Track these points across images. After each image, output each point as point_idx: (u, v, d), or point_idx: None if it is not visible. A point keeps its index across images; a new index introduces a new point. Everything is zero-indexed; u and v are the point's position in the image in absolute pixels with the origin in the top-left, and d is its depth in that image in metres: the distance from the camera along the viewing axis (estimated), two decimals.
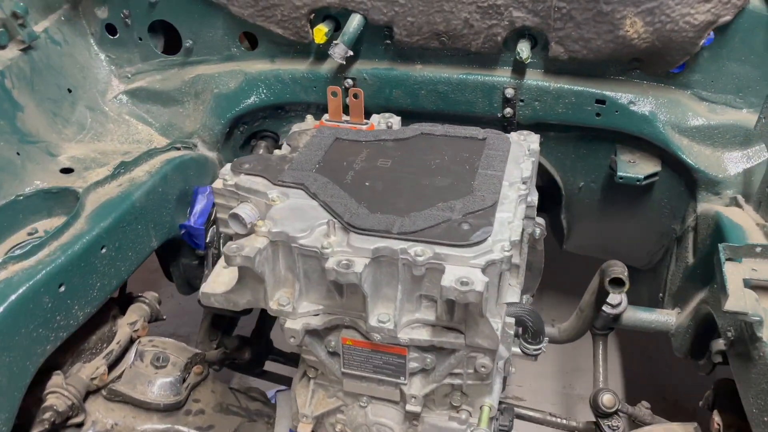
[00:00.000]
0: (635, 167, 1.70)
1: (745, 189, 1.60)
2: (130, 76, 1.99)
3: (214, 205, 1.75)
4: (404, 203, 1.28)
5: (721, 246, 1.22)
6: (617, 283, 1.36)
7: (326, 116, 1.64)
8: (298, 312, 1.28)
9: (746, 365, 1.20)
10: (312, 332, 1.31)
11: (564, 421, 1.82)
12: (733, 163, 1.62)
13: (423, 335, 1.25)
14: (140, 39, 1.94)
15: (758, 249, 1.21)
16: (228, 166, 1.44)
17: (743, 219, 1.44)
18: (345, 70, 1.82)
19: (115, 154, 1.76)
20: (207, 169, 1.87)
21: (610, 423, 1.73)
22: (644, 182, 1.67)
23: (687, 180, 1.69)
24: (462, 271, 1.14)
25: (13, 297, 1.26)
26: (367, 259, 1.18)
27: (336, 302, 1.28)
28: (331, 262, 1.17)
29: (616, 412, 1.71)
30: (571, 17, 1.58)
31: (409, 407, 1.34)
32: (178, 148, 1.82)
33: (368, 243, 1.19)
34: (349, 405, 1.45)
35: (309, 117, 1.68)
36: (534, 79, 1.72)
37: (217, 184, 1.42)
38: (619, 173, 1.67)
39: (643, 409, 1.73)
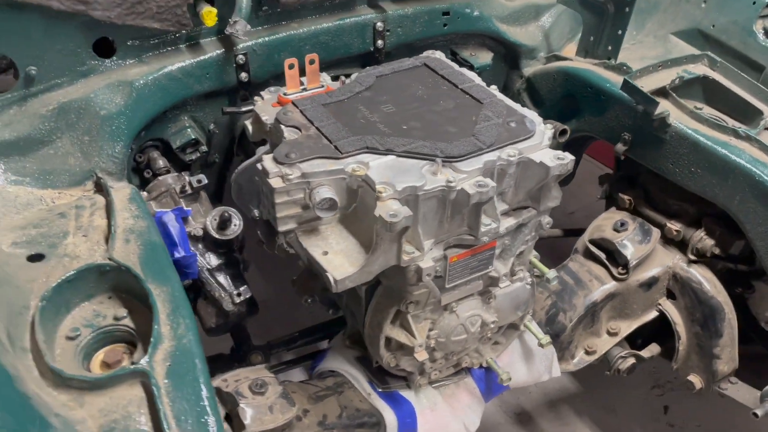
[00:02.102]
0: (479, 58, 2.14)
1: (549, 48, 2.21)
2: None
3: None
4: (454, 128, 1.49)
5: (626, 77, 1.78)
6: (564, 132, 1.84)
7: (283, 90, 1.62)
8: (425, 252, 1.42)
9: (658, 147, 1.82)
10: None
11: None
12: (537, 32, 2.20)
13: (511, 222, 1.53)
14: None
15: (638, 73, 1.82)
16: (269, 163, 1.38)
17: (582, 65, 2.03)
18: (232, 47, 1.77)
19: (39, 225, 1.43)
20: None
21: None
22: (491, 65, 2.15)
23: (509, 56, 2.21)
24: (545, 153, 1.45)
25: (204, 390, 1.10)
26: (480, 176, 1.39)
27: (443, 229, 1.45)
28: (470, 188, 1.35)
29: None
30: None
31: (501, 286, 1.63)
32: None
33: (474, 164, 1.40)
34: (438, 318, 1.65)
35: (258, 100, 1.63)
36: (394, 9, 1.97)
37: (277, 182, 1.37)
38: (476, 66, 2.10)
39: None
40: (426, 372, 1.77)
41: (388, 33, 1.98)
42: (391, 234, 1.31)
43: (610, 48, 1.97)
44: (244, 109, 1.86)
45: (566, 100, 2.07)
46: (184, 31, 1.70)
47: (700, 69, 1.90)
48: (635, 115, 1.84)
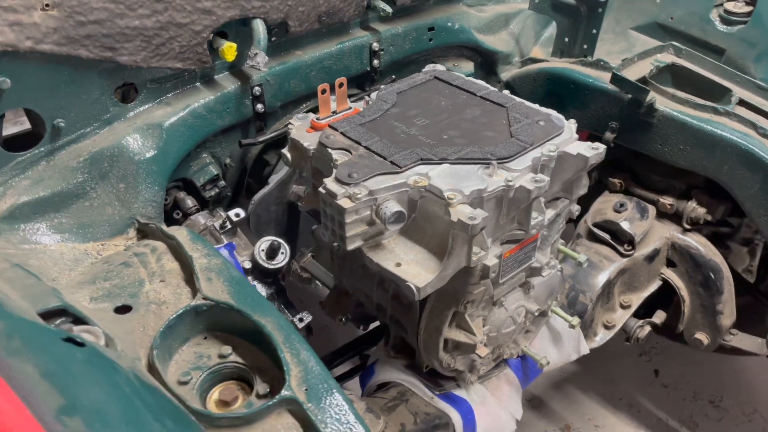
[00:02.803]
0: (462, 68, 2.26)
1: (520, 52, 2.36)
2: None
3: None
4: (491, 132, 1.59)
5: (614, 71, 1.95)
6: None
7: (315, 117, 1.65)
8: (489, 251, 1.50)
9: (646, 131, 2.00)
10: None
11: None
12: (509, 38, 2.34)
13: (551, 213, 1.64)
14: None
15: (620, 66, 1.99)
16: (334, 185, 1.42)
17: (560, 64, 2.19)
18: (247, 80, 1.78)
19: (108, 278, 1.39)
20: None
21: None
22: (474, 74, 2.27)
23: (486, 63, 2.34)
24: (579, 145, 1.58)
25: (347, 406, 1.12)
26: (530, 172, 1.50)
27: (499, 227, 1.54)
28: (528, 184, 1.44)
29: None
30: None
31: (544, 273, 1.73)
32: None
33: (523, 162, 1.49)
34: (489, 314, 1.73)
35: (292, 128, 1.65)
36: (385, 29, 2.05)
37: (346, 203, 1.40)
38: None
39: None
40: (476, 368, 1.84)
41: (382, 52, 2.06)
42: (469, 236, 1.38)
43: (585, 46, 2.14)
44: (260, 139, 1.87)
45: (549, 99, 2.21)
46: (198, 69, 1.70)
47: (668, 57, 2.11)
48: (621, 104, 2.02)
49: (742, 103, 1.96)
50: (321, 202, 1.48)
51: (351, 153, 1.53)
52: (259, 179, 2.03)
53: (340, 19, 1.91)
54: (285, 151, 1.66)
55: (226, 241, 1.68)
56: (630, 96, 1.97)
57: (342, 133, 1.59)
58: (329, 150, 1.55)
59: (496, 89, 1.78)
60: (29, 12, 1.35)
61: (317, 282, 2.06)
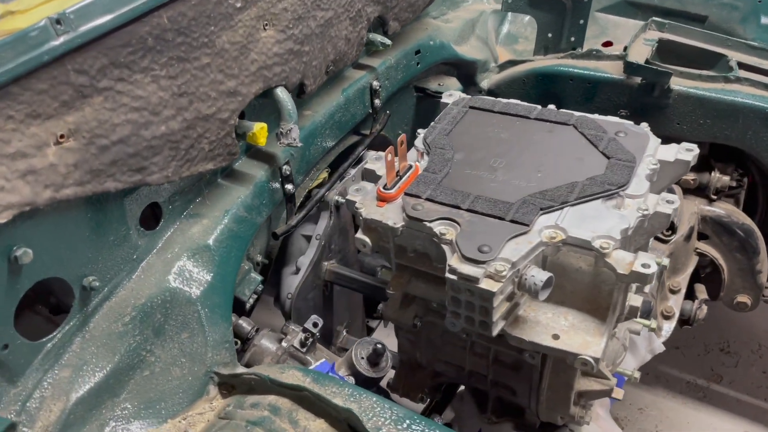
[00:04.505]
0: (448, 86, 2.06)
1: (492, 54, 2.21)
2: (16, 416, 1.05)
3: None
4: (581, 156, 1.43)
5: (626, 60, 1.85)
6: None
7: (381, 186, 1.37)
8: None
9: (661, 113, 1.94)
10: None
11: None
12: (479, 44, 2.18)
13: None
14: (5, 347, 1.03)
15: (627, 53, 1.91)
16: (467, 268, 1.18)
17: (549, 62, 2.07)
18: (273, 160, 1.46)
19: None
20: None
21: None
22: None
23: (465, 73, 2.16)
24: (671, 149, 1.46)
25: None
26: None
27: None
28: (665, 208, 1.31)
29: None
30: None
31: (646, 289, 1.60)
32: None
33: (640, 184, 1.35)
34: (610, 349, 1.57)
35: (360, 207, 1.35)
36: (378, 63, 1.80)
37: (491, 285, 1.17)
38: None
39: None
40: (588, 407, 1.69)
41: (380, 89, 1.81)
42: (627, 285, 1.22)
43: (573, 39, 2.04)
44: (294, 224, 1.56)
45: (545, 99, 2.08)
46: (228, 164, 1.36)
47: (653, 34, 2.07)
48: (630, 91, 1.94)
49: (741, 66, 1.96)
50: (449, 289, 1.23)
51: (457, 222, 1.29)
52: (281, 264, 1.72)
53: (344, 64, 1.63)
54: (361, 235, 1.38)
55: (313, 362, 1.37)
56: (642, 81, 1.90)
57: (429, 200, 1.34)
58: (426, 224, 1.30)
59: (540, 106, 1.62)
60: (42, 151, 0.97)
61: None
